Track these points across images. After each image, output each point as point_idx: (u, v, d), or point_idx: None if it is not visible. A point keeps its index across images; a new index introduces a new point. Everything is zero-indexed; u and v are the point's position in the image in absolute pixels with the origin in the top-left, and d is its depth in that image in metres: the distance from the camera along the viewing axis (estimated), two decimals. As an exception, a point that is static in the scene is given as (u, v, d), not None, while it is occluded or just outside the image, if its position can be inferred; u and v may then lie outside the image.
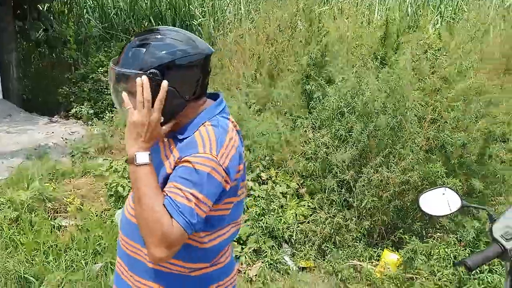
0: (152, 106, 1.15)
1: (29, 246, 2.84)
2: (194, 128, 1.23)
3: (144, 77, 1.15)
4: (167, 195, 1.14)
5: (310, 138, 3.13)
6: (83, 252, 2.86)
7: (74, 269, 2.75)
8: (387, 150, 2.86)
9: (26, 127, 4.99)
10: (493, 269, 2.73)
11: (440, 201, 1.46)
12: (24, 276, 2.62)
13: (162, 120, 1.19)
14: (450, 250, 2.75)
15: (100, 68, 5.80)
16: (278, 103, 3.56)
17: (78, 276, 2.67)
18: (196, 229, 1.16)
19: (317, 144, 3.07)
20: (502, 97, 3.16)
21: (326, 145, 3.02)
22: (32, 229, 3.00)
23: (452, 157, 2.83)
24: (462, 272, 2.64)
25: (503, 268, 1.57)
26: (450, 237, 2.82)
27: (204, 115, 1.24)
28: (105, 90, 5.55)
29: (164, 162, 1.23)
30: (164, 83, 1.15)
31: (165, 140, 1.28)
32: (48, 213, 3.27)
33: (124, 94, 1.18)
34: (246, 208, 3.21)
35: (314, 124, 3.22)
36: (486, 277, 2.67)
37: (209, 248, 1.28)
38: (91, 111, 5.34)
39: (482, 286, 2.67)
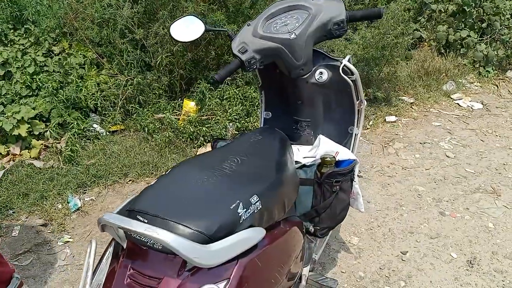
0: None
1: None
2: None
3: None
4: None
5: (94, 1, 3.00)
6: None
7: None
8: (171, 4, 2.95)
9: None
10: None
11: (188, 29, 1.63)
12: None
13: None
14: (238, 90, 3.17)
15: None
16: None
17: None
18: None
19: (102, 6, 2.98)
20: None
21: (111, 5, 2.95)
22: None
23: (231, 5, 3.07)
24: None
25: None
26: (238, 80, 3.23)
27: None
28: None
29: None
30: None
31: None
32: None
33: None
34: (41, 85, 3.07)
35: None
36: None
37: None
38: None
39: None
